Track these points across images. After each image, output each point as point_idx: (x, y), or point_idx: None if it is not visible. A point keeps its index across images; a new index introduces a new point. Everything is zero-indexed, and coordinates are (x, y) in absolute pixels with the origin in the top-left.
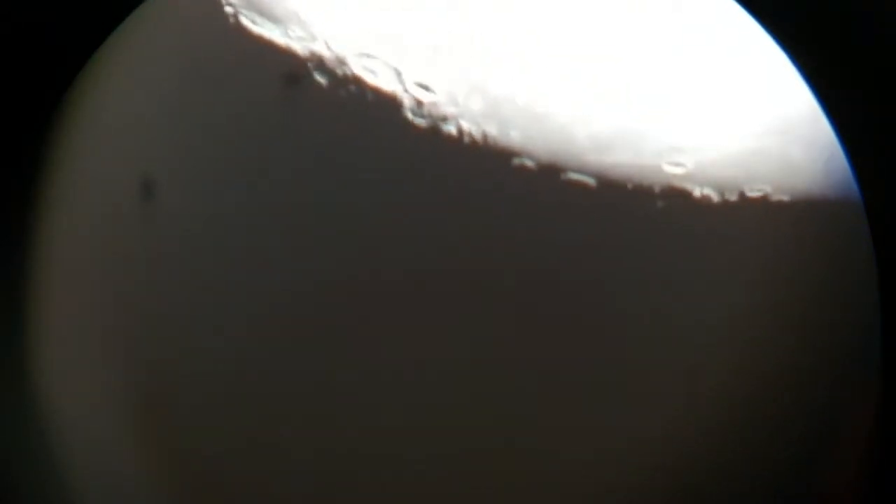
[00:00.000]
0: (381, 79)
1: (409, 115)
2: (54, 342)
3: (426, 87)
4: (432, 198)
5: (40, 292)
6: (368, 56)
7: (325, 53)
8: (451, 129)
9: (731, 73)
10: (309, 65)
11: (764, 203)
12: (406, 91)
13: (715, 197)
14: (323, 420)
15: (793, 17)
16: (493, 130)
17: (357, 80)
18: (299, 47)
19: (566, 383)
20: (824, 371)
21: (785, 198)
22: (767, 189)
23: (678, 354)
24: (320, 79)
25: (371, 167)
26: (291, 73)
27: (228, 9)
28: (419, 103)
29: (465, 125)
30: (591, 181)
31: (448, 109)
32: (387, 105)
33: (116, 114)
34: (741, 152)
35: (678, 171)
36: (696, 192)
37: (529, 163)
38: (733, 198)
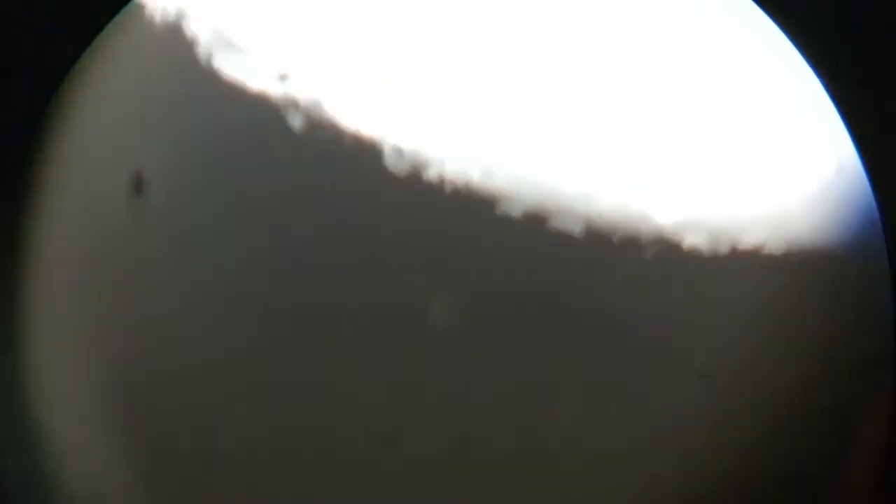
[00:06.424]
0: (359, 122)
1: (390, 162)
2: (45, 339)
3: (407, 132)
4: (412, 244)
5: (32, 290)
6: (347, 98)
7: (300, 95)
8: (432, 175)
9: (725, 115)
10: (282, 108)
11: (756, 255)
12: (386, 136)
13: (705, 248)
14: (311, 425)
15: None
16: (475, 177)
17: (334, 125)
18: (272, 90)
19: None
20: (824, 429)
21: (778, 250)
22: (760, 240)
23: (660, 410)
24: (296, 122)
25: (348, 214)
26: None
27: (201, 50)
28: (400, 149)
29: (448, 171)
30: (576, 230)
31: (430, 155)
32: (366, 151)
33: (107, 114)
34: (735, 202)
35: (668, 220)
36: (687, 242)
37: (513, 211)
38: (724, 249)
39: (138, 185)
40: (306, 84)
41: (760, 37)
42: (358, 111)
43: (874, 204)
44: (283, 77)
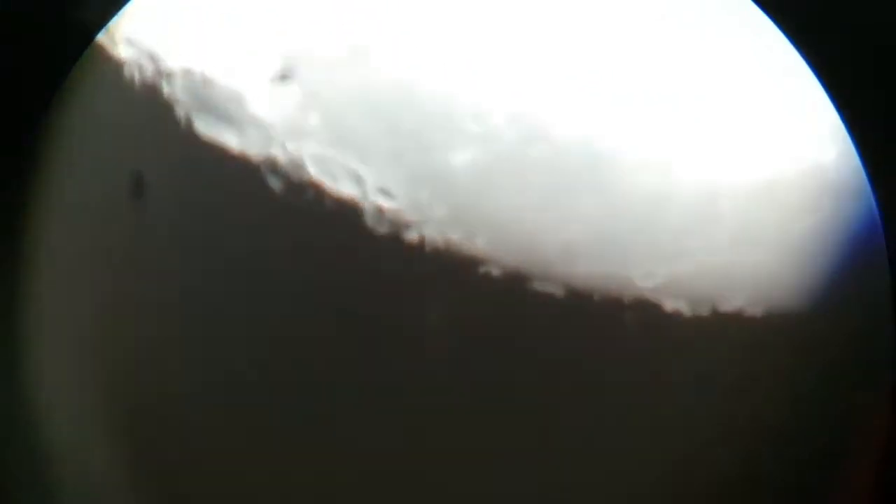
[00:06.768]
0: (340, 184)
1: (370, 223)
2: (44, 340)
3: (388, 193)
4: (392, 304)
5: (32, 291)
6: (327, 158)
7: (280, 156)
8: (413, 237)
9: (724, 115)
10: (262, 170)
11: (737, 318)
12: (367, 197)
13: (686, 311)
14: (311, 424)
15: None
16: (456, 238)
17: (314, 186)
18: (253, 151)
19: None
20: (824, 430)
21: (759, 312)
22: (741, 303)
23: (640, 478)
24: (274, 185)
25: (329, 276)
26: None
27: (179, 111)
28: (381, 210)
29: (429, 233)
30: (557, 291)
31: (410, 216)
32: (346, 211)
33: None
34: (715, 264)
35: (649, 283)
36: (668, 306)
37: (495, 272)
38: (705, 312)
39: (138, 187)
40: (304, 84)
41: (760, 37)
42: (336, 167)
43: (874, 204)
44: (283, 77)
